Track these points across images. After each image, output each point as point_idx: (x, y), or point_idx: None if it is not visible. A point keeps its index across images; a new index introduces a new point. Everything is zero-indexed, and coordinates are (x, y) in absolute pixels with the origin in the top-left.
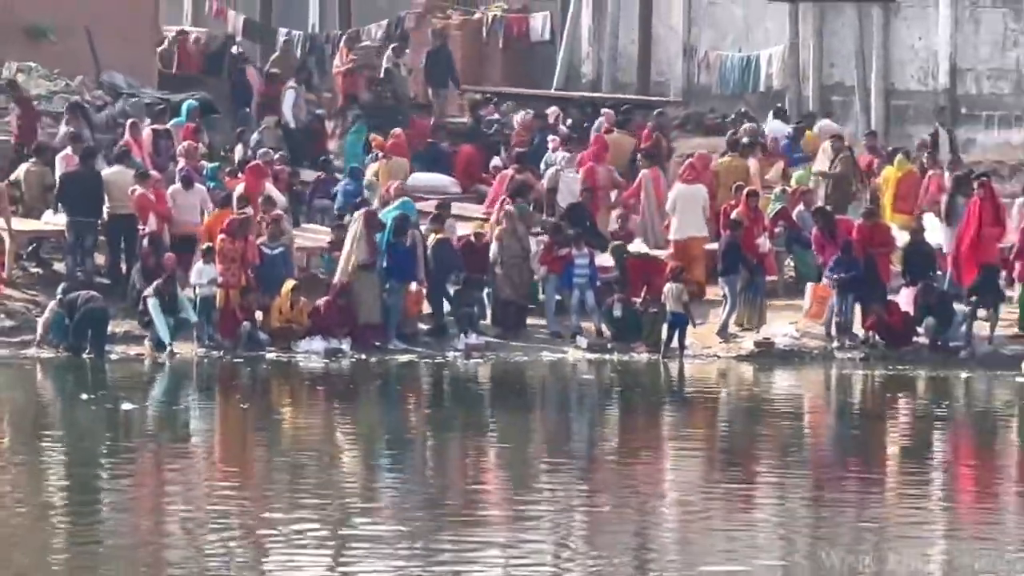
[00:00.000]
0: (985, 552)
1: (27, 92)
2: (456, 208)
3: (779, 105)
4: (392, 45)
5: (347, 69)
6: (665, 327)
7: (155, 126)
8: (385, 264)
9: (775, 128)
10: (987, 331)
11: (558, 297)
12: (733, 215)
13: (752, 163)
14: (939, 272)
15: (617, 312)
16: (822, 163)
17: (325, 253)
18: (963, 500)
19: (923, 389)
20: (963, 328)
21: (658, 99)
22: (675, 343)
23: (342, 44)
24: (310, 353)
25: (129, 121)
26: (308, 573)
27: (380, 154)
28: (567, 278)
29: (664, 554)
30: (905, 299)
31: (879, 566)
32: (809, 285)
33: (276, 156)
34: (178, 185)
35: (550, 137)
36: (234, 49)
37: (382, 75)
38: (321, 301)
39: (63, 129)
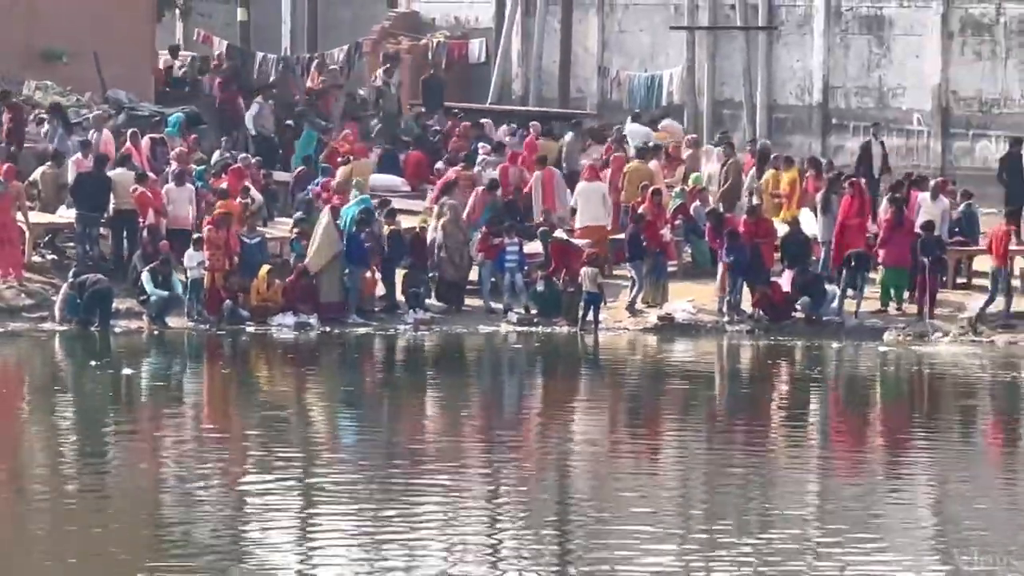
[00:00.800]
0: (854, 485)
1: (17, 99)
2: (405, 204)
3: (636, 111)
4: (384, 66)
5: (319, 90)
6: (582, 304)
7: (152, 135)
8: (346, 251)
9: (632, 130)
10: (854, 307)
11: (492, 279)
12: (640, 210)
13: (654, 165)
14: (813, 258)
15: (540, 287)
16: (713, 167)
17: (294, 240)
18: (834, 445)
19: (800, 356)
20: (834, 305)
21: (577, 112)
22: (590, 318)
23: (313, 68)
24: (282, 326)
25: (130, 131)
26: (274, 485)
27: (351, 157)
28: (500, 263)
29: (576, 487)
30: (785, 281)
31: (764, 498)
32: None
33: (253, 160)
34: (171, 183)
35: (481, 144)
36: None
37: (374, 92)
38: (288, 280)
39: (45, 128)
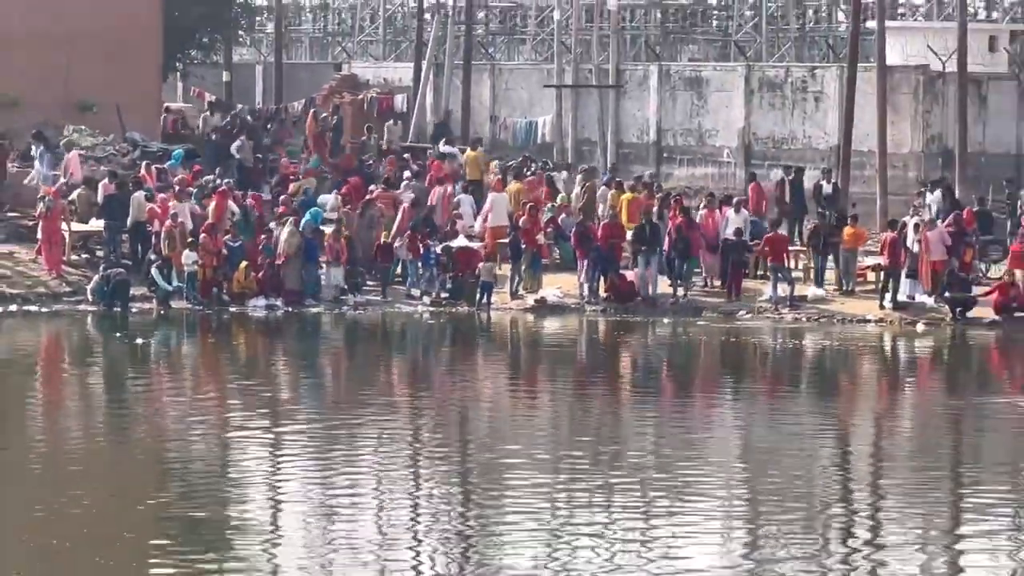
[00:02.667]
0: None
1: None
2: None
3: (447, 137)
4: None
5: (316, 133)
6: (479, 290)
7: (156, 165)
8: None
9: (447, 150)
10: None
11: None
12: (520, 221)
13: (516, 185)
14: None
15: (448, 284)
16: (575, 190)
17: (265, 246)
18: (664, 391)
19: (640, 329)
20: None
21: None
22: (485, 301)
23: (309, 117)
24: (256, 307)
25: (144, 163)
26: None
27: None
28: (426, 259)
29: (467, 431)
30: (632, 273)
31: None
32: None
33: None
34: (174, 200)
35: (406, 173)
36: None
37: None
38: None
39: (36, 150)
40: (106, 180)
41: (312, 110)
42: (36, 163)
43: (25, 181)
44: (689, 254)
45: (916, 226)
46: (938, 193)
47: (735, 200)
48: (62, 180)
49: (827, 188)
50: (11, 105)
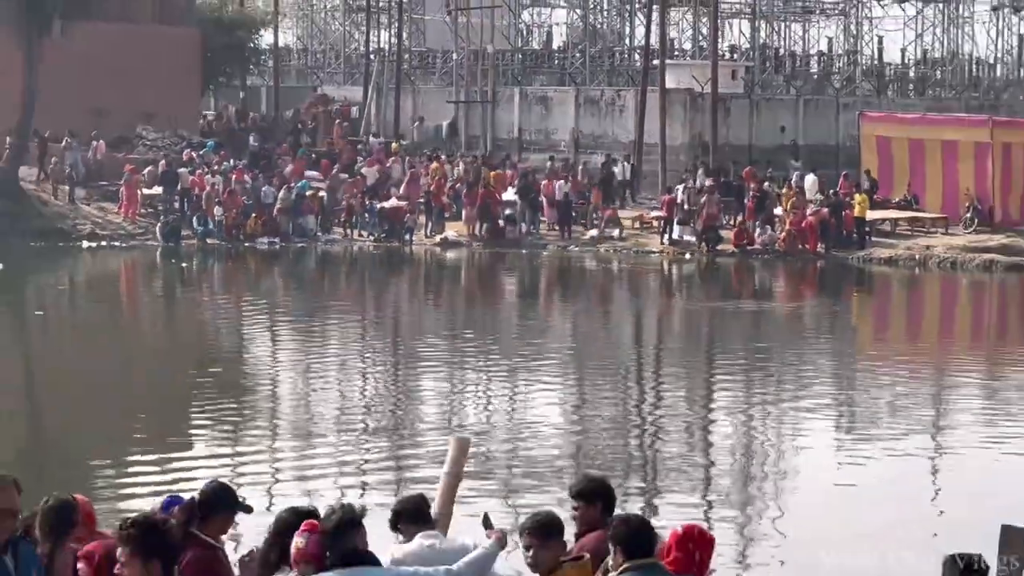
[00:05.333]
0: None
1: (44, 133)
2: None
3: (374, 133)
4: (312, 121)
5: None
6: (404, 232)
7: (196, 152)
8: (292, 207)
9: (375, 142)
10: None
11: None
12: (432, 187)
13: (434, 164)
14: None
15: (384, 228)
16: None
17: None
18: (503, 290)
19: (504, 256)
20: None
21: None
22: (408, 239)
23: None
24: (261, 243)
25: (187, 150)
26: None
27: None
28: (370, 212)
29: (394, 313)
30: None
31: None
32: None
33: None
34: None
35: (360, 158)
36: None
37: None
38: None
39: (65, 141)
40: (163, 161)
41: (299, 121)
42: (66, 152)
43: (56, 160)
44: (536, 209)
45: (684, 190)
46: (700, 171)
47: (568, 175)
48: (90, 157)
49: (627, 167)
50: (98, 114)
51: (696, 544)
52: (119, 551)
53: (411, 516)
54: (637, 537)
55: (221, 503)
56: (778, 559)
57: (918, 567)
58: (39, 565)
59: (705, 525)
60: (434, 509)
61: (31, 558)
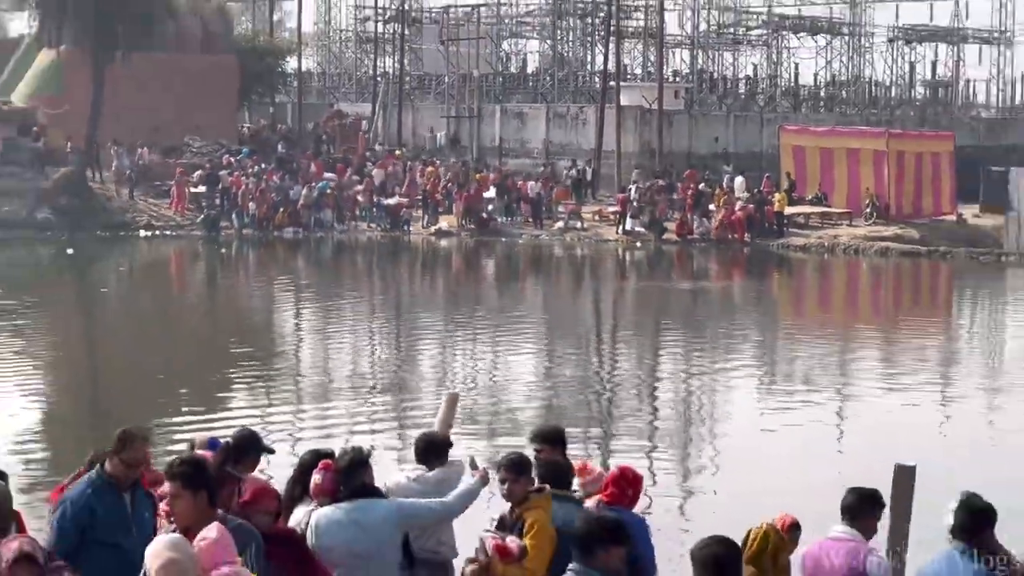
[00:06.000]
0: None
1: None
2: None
3: (379, 143)
4: (328, 131)
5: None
6: (404, 224)
7: (234, 158)
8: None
9: (379, 150)
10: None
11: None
12: (428, 186)
13: (430, 168)
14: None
15: (388, 221)
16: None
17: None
18: (483, 267)
19: (489, 244)
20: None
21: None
22: (407, 229)
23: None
24: (287, 233)
25: (226, 156)
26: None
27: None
28: (377, 207)
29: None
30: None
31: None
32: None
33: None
34: (243, 176)
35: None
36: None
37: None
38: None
39: (113, 150)
40: (207, 165)
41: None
42: (115, 159)
43: (114, 165)
44: (515, 204)
45: (636, 189)
46: (636, 172)
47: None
48: (137, 161)
49: (588, 170)
50: (153, 127)
51: (628, 483)
52: (168, 486)
53: (431, 451)
54: (557, 473)
55: (250, 446)
56: (711, 488)
57: (824, 495)
58: (153, 507)
59: (646, 463)
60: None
61: (145, 501)
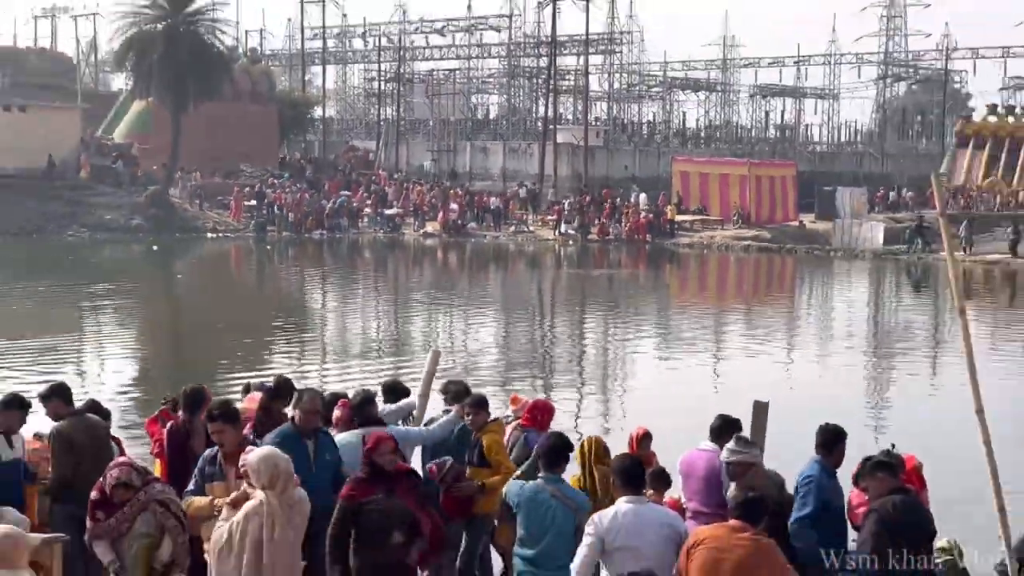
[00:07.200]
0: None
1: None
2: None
3: (381, 168)
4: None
5: (373, 174)
6: (400, 229)
7: (276, 180)
8: (335, 212)
9: (383, 173)
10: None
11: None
12: (419, 200)
13: (419, 187)
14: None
15: (389, 226)
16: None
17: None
18: (448, 261)
19: (462, 244)
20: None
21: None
22: (403, 232)
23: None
24: (316, 234)
25: (270, 178)
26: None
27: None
28: (381, 216)
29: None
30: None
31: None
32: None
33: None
34: (282, 193)
35: (373, 178)
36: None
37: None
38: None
39: (178, 174)
40: (257, 185)
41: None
42: (181, 181)
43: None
44: (480, 214)
45: (568, 204)
46: (550, 190)
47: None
48: (194, 184)
49: (534, 189)
50: (216, 159)
51: (540, 411)
52: (211, 426)
53: (389, 391)
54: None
55: (285, 390)
56: (619, 426)
57: (701, 420)
58: (334, 451)
59: (556, 398)
60: (419, 393)
61: (328, 445)
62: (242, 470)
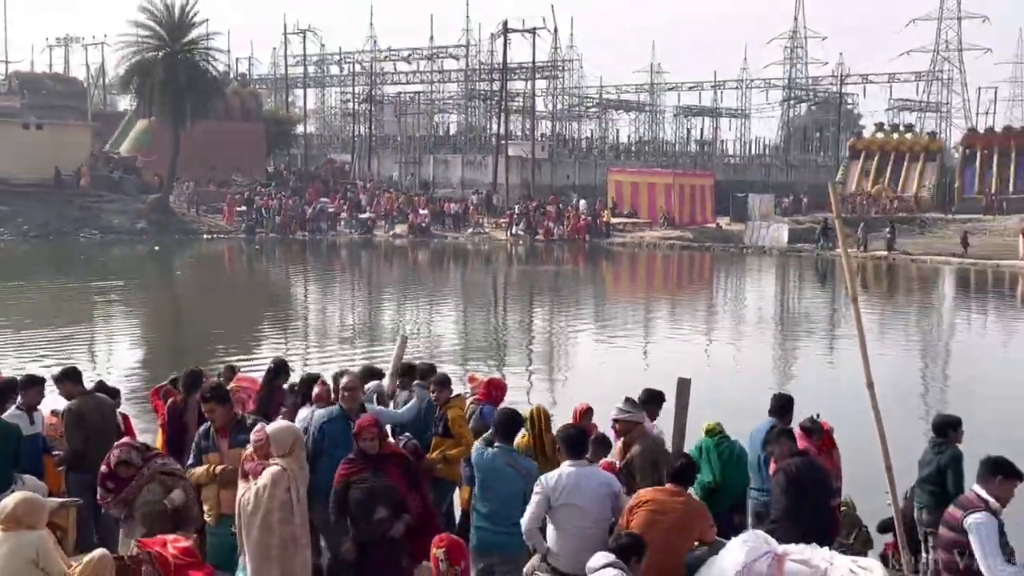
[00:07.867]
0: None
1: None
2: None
3: (361, 180)
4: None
5: (348, 183)
6: (375, 231)
7: (264, 188)
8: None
9: (359, 182)
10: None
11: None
12: (398, 207)
13: (403, 195)
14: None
15: (365, 228)
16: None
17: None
18: (416, 258)
19: (427, 243)
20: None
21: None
22: (379, 235)
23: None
24: (299, 236)
25: (258, 186)
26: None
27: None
28: (357, 219)
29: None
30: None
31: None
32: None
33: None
34: (269, 200)
35: (348, 187)
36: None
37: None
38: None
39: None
40: (246, 192)
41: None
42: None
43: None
44: (442, 218)
45: (518, 209)
46: (523, 201)
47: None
48: (190, 192)
49: (490, 196)
50: (211, 169)
51: (494, 388)
52: (204, 406)
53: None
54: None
55: (281, 371)
56: (564, 400)
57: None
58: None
59: (509, 375)
60: (389, 373)
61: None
62: (256, 444)
